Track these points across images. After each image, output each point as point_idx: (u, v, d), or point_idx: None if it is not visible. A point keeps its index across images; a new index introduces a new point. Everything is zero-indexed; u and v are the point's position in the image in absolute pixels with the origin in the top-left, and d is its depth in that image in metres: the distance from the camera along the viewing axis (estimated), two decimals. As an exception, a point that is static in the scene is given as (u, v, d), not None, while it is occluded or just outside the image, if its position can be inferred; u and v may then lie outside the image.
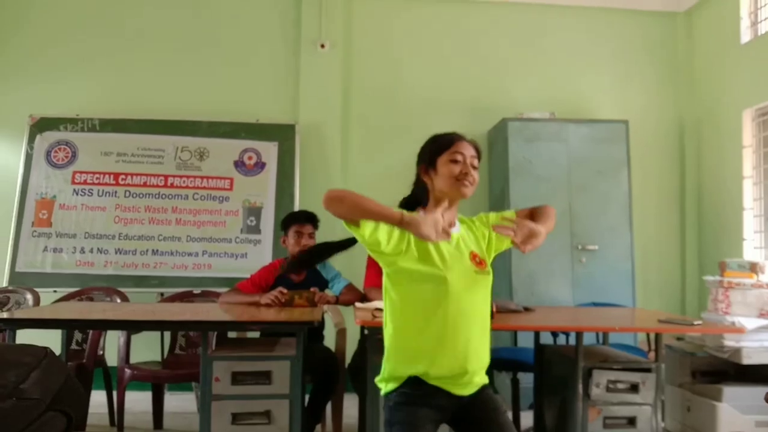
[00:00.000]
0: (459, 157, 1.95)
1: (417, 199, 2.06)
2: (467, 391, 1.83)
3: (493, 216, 2.06)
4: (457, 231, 1.97)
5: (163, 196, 4.54)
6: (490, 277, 1.93)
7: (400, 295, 1.86)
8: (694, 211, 5.12)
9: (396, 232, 1.79)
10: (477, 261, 1.92)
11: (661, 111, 5.21)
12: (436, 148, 2.01)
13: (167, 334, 3.84)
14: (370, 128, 5.02)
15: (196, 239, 4.50)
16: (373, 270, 3.46)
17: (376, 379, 1.90)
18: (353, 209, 1.75)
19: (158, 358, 3.82)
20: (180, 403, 4.23)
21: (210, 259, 4.48)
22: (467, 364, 1.81)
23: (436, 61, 5.10)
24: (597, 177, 4.66)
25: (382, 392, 1.87)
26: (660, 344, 2.93)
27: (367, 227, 1.74)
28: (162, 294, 4.33)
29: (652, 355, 3.03)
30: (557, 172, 4.64)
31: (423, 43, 5.12)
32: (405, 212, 1.73)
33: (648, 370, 2.83)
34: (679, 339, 3.96)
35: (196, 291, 4.03)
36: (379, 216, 1.73)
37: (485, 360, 1.88)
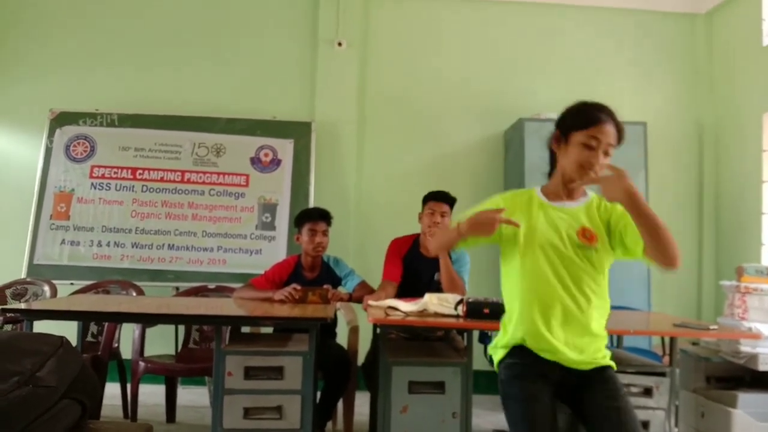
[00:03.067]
0: (594, 143, 1.85)
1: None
2: (576, 365, 1.85)
3: (623, 212, 1.90)
4: (577, 204, 1.93)
5: (180, 192, 4.58)
6: (602, 254, 1.88)
7: (504, 267, 1.98)
8: (712, 215, 5.06)
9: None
10: (586, 236, 1.86)
11: (680, 113, 5.16)
12: (576, 123, 1.91)
13: (181, 328, 3.87)
14: (386, 127, 5.02)
15: (212, 235, 4.53)
16: (391, 265, 3.47)
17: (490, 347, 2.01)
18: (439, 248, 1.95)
19: (172, 351, 3.85)
20: (193, 396, 4.26)
21: (225, 254, 4.51)
22: (566, 336, 1.83)
23: (452, 60, 5.09)
24: (614, 179, 4.61)
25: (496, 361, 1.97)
26: (675, 348, 2.91)
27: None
28: (177, 288, 4.37)
29: (666, 359, 3.01)
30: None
31: (440, 43, 5.11)
32: (459, 223, 1.85)
33: (662, 375, 2.81)
34: (694, 344, 3.91)
35: (211, 286, 4.05)
36: (449, 243, 1.92)
37: (593, 337, 1.88)
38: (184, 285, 4.30)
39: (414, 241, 3.55)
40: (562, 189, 1.96)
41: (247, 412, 2.65)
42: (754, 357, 3.49)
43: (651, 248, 1.74)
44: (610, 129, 1.87)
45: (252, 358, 2.68)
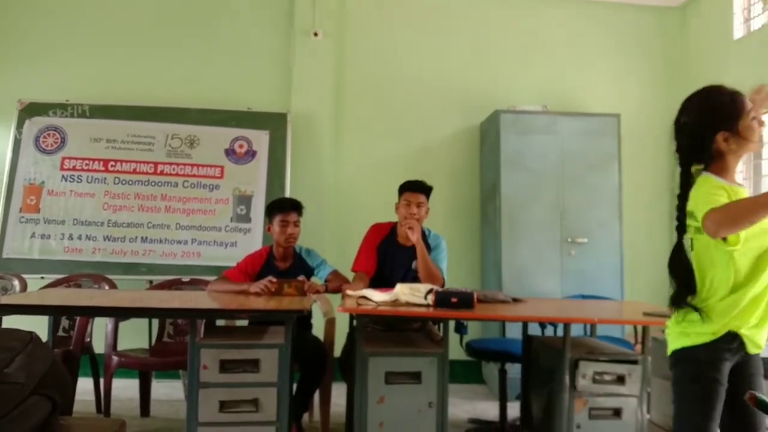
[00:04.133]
0: (759, 119, 1.87)
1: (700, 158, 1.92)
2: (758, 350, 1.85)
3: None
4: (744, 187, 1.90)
5: (153, 184, 4.52)
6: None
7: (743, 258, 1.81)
8: (684, 206, 5.13)
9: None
10: None
11: (654, 105, 5.22)
12: (737, 111, 1.86)
13: (155, 322, 3.83)
14: (363, 118, 5.01)
15: (186, 227, 4.48)
16: (365, 253, 3.47)
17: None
18: (746, 219, 1.62)
19: (146, 345, 3.81)
20: (167, 390, 4.23)
21: (199, 247, 4.47)
22: None
23: (429, 51, 5.09)
24: (588, 170, 4.67)
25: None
26: (647, 337, 2.95)
27: (741, 240, 1.70)
28: (150, 282, 4.32)
29: (638, 347, 3.05)
30: (548, 165, 4.65)
31: (417, 34, 5.10)
32: None
33: (634, 362, 2.85)
34: (665, 332, 3.98)
35: (185, 279, 4.02)
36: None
37: None
38: (158, 278, 4.25)
39: (391, 229, 3.55)
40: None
41: (223, 406, 2.63)
42: (723, 344, 3.55)
43: None
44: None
45: (227, 351, 2.66)
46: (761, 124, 1.85)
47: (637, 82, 5.24)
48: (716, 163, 1.88)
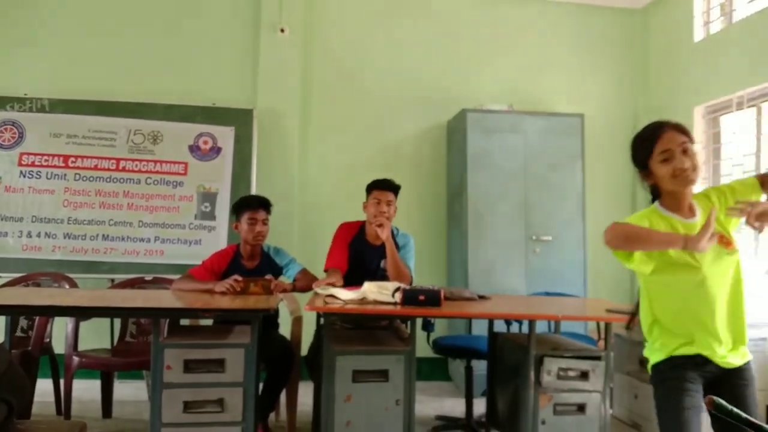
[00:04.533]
0: (668, 154, 1.90)
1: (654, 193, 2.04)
2: (729, 365, 1.88)
3: (727, 189, 1.96)
4: (698, 219, 1.93)
5: (115, 180, 4.43)
6: (737, 255, 1.91)
7: (655, 287, 1.96)
8: (645, 204, 5.20)
9: (652, 255, 1.87)
10: (724, 242, 1.89)
11: (616, 106, 5.32)
12: (643, 151, 1.96)
13: (117, 322, 3.76)
14: (330, 115, 4.98)
15: (149, 225, 4.40)
16: (337, 251, 3.45)
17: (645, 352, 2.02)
18: (636, 244, 1.83)
19: (108, 345, 3.73)
20: (130, 391, 4.15)
21: (162, 245, 4.40)
22: (721, 339, 1.87)
23: (397, 49, 5.09)
24: (552, 169, 4.73)
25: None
26: (609, 333, 3.00)
27: (635, 261, 1.87)
28: (112, 280, 4.24)
29: (601, 343, 3.10)
30: (514, 164, 4.70)
31: (385, 32, 5.09)
32: (686, 236, 1.76)
33: (597, 358, 2.90)
34: (628, 328, 4.05)
35: (148, 278, 3.95)
36: (664, 245, 1.80)
37: (744, 336, 1.91)
38: (120, 277, 4.18)
39: (360, 228, 3.54)
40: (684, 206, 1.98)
41: (187, 406, 2.60)
42: (682, 340, 3.64)
43: None
44: (672, 133, 1.93)
45: (191, 351, 2.63)
46: (667, 162, 1.91)
47: (601, 83, 5.32)
48: (663, 196, 1.99)
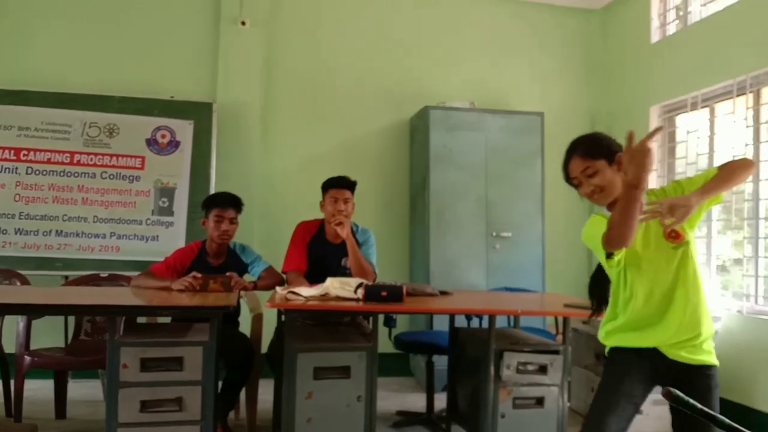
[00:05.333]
0: (576, 181, 2.04)
1: None
2: (680, 359, 1.89)
3: (686, 181, 1.98)
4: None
5: (69, 174, 4.30)
6: (689, 249, 1.91)
7: (615, 279, 2.00)
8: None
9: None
10: (672, 236, 1.91)
11: (575, 104, 5.41)
12: (565, 175, 2.09)
13: (71, 320, 3.66)
14: (292, 110, 4.94)
15: (104, 220, 4.30)
16: (296, 251, 3.42)
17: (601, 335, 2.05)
18: (622, 227, 1.76)
19: (61, 344, 3.63)
20: (85, 391, 4.05)
21: (119, 241, 4.30)
22: (676, 333, 1.88)
23: (360, 45, 5.07)
24: (512, 166, 4.79)
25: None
26: (567, 328, 3.05)
27: (615, 263, 1.90)
28: (66, 277, 4.12)
29: (559, 338, 3.15)
30: (475, 161, 4.73)
31: (348, 28, 5.07)
32: (629, 183, 1.74)
33: (556, 352, 2.95)
34: (585, 323, 4.14)
35: (104, 274, 3.85)
36: (629, 209, 1.74)
37: (698, 331, 1.89)
38: (74, 274, 4.06)
39: (320, 226, 3.52)
40: None
41: (145, 405, 2.54)
42: (638, 334, 3.73)
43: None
44: (575, 162, 2.05)
45: (149, 350, 2.57)
46: (579, 187, 2.04)
47: (560, 82, 5.40)
48: None
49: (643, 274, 1.91)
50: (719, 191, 1.86)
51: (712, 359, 1.91)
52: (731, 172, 1.87)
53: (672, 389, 0.89)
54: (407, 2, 5.17)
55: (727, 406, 3.80)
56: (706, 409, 0.83)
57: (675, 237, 1.92)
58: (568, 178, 2.08)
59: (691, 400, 0.84)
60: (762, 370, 3.65)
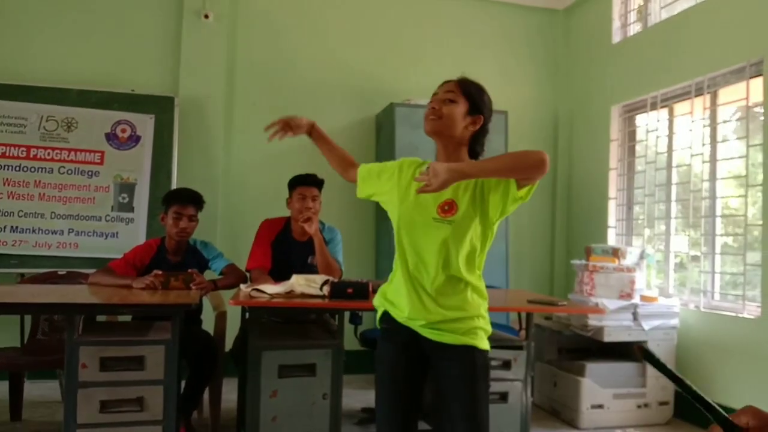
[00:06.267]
0: (433, 97, 2.03)
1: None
2: (434, 337, 1.86)
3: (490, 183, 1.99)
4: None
5: (25, 169, 4.17)
6: (454, 227, 1.87)
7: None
8: (564, 199, 5.43)
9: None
10: (444, 209, 1.88)
11: (539, 103, 5.47)
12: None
13: (28, 318, 3.55)
14: (256, 105, 4.87)
15: (62, 216, 4.18)
16: (260, 249, 3.37)
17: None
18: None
19: (17, 343, 3.52)
20: (42, 392, 3.94)
21: (77, 237, 4.19)
22: (424, 311, 1.86)
23: (326, 41, 5.03)
24: (478, 164, 4.81)
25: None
26: (530, 323, 3.09)
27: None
28: (22, 275, 4.00)
29: (523, 333, 3.19)
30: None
31: (313, 22, 5.02)
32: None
33: (519, 348, 2.98)
34: (547, 318, 4.20)
35: (61, 272, 3.74)
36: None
37: (453, 314, 1.87)
38: (31, 271, 3.94)
39: (285, 224, 3.48)
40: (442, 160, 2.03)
41: (104, 406, 2.50)
42: (600, 330, 3.81)
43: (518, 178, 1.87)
44: (448, 83, 2.07)
45: (108, 349, 2.52)
46: (432, 99, 2.10)
47: (524, 81, 5.45)
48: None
49: (415, 241, 1.93)
50: (501, 173, 1.87)
51: (473, 339, 1.89)
52: (521, 158, 1.91)
53: (643, 346, 0.90)
54: (373, -1, 5.15)
55: (685, 399, 3.90)
56: (676, 373, 0.85)
57: (447, 211, 1.90)
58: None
59: (661, 360, 0.85)
60: (719, 364, 3.75)
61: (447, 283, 1.88)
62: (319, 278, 2.86)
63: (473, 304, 1.94)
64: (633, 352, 0.84)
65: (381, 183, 2.07)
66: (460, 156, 2.00)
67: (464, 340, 1.87)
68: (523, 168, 1.85)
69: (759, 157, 3.60)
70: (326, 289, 2.77)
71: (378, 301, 2.02)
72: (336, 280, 2.92)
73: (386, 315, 1.97)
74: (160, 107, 4.46)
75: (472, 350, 1.88)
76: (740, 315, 3.67)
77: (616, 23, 4.94)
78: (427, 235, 1.88)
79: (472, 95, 2.01)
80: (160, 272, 3.02)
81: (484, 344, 1.91)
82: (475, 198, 1.88)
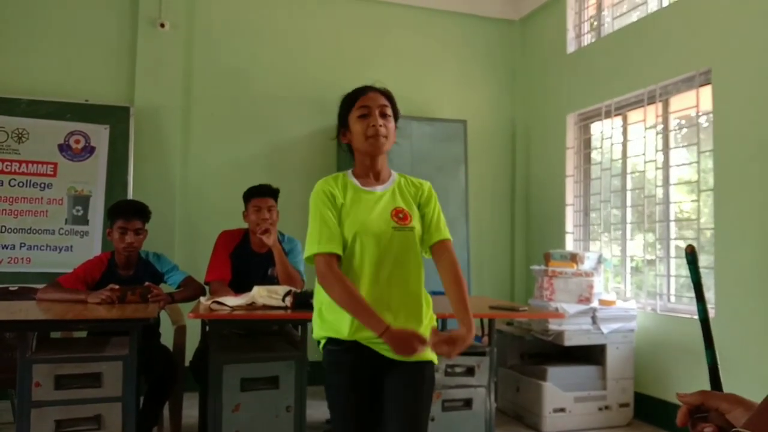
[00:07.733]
0: (366, 110, 1.93)
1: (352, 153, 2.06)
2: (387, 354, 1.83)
3: (425, 199, 2.10)
4: (386, 188, 1.97)
5: (-28, 182, 4.03)
6: (413, 234, 1.92)
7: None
8: (523, 206, 5.51)
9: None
10: (399, 217, 1.90)
11: (497, 112, 5.54)
12: (346, 106, 1.99)
13: (-24, 337, 3.41)
14: (215, 115, 4.80)
15: (13, 230, 4.04)
16: (219, 260, 3.31)
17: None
18: (341, 301, 1.84)
19: (-36, 363, 3.38)
20: (-9, 413, 3.79)
21: (29, 252, 4.05)
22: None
23: (284, 50, 5.00)
24: (437, 173, 4.85)
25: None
26: (493, 329, 3.12)
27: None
28: (-30, 291, 3.84)
29: (485, 339, 3.21)
30: (401, 168, 4.62)
31: (271, 32, 4.99)
32: (390, 328, 1.75)
33: (483, 354, 3.00)
34: (509, 324, 4.24)
35: (13, 288, 3.61)
36: (365, 322, 1.78)
37: (413, 323, 1.87)
38: (-21, 287, 3.79)
39: (243, 236, 3.43)
40: (371, 173, 2.03)
41: (60, 425, 2.41)
42: (560, 334, 3.87)
43: None
44: (375, 95, 1.99)
45: (63, 366, 2.44)
46: (363, 119, 2.02)
47: (482, 90, 5.52)
48: (355, 162, 2.17)
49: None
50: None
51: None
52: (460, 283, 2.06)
53: (695, 249, 0.93)
54: (330, 8, 5.15)
55: (645, 400, 4.00)
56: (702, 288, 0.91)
57: (402, 219, 1.95)
58: (353, 101, 2.00)
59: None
60: (675, 365, 3.84)
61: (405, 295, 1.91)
62: (281, 289, 2.83)
63: (428, 315, 1.94)
64: (685, 250, 0.88)
65: (340, 223, 1.99)
66: (384, 164, 2.05)
67: (421, 356, 1.85)
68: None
69: (709, 163, 3.71)
70: (289, 300, 2.74)
71: (318, 332, 1.99)
72: (298, 290, 2.89)
73: (329, 340, 1.93)
74: (115, 117, 4.37)
75: (424, 365, 1.89)
76: (695, 317, 3.76)
77: (571, 34, 5.06)
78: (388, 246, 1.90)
79: (395, 106, 2.05)
80: (116, 286, 2.94)
81: (434, 356, 1.92)
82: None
